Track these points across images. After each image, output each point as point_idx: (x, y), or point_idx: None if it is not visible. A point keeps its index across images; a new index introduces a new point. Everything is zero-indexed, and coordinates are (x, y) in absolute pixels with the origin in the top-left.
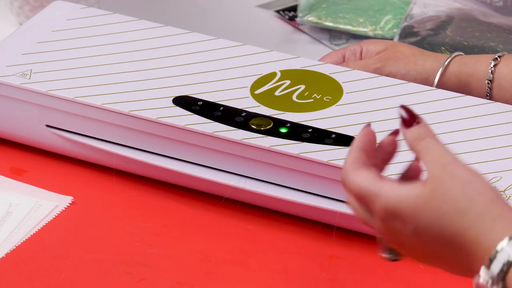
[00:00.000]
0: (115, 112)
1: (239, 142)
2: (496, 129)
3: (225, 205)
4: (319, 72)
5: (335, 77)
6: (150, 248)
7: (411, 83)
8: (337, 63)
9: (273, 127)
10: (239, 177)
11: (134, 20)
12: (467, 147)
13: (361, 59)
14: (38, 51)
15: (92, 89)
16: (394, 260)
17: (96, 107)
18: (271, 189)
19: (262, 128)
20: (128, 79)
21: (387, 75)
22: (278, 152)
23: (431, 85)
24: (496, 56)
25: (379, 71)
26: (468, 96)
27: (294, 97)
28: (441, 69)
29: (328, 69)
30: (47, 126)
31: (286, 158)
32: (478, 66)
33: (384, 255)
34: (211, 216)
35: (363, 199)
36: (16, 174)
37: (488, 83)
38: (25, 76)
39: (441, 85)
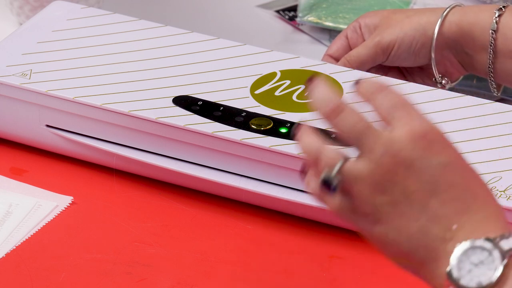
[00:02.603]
0: (115, 112)
1: (239, 142)
2: (496, 129)
3: (225, 205)
4: (319, 72)
5: (335, 77)
6: (150, 248)
7: (411, 83)
8: (343, 46)
9: (273, 127)
10: (239, 177)
11: (134, 20)
12: (467, 147)
13: (361, 33)
14: (38, 51)
15: (92, 89)
16: (329, 185)
17: (96, 107)
18: (271, 189)
19: (262, 128)
20: (128, 79)
21: (388, 46)
22: (278, 152)
23: (431, 38)
24: (501, 7)
25: (380, 46)
26: (468, 96)
27: (294, 97)
28: (440, 19)
29: (328, 69)
30: (47, 126)
31: (286, 158)
32: (481, 15)
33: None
34: (211, 216)
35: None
36: (16, 174)
37: (492, 33)
38: (25, 76)
39: (441, 36)
